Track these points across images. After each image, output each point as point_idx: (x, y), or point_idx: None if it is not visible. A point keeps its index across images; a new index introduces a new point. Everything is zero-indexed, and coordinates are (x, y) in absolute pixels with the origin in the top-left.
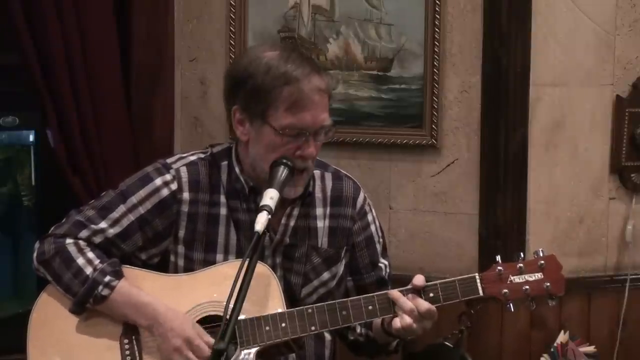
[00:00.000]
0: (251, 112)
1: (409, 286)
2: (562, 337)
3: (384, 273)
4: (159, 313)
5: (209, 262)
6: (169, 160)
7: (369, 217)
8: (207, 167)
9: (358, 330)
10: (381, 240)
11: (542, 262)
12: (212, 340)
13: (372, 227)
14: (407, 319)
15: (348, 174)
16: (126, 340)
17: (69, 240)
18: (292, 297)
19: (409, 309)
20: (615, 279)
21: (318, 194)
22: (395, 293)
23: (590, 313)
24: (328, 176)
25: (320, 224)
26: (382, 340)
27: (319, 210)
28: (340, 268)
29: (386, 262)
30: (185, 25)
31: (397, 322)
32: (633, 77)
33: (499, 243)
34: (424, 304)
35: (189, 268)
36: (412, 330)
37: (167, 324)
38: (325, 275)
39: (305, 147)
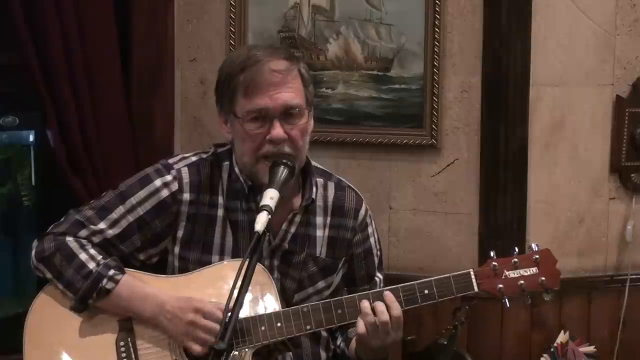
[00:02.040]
0: (225, 109)
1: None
2: (562, 337)
3: (377, 287)
4: (165, 301)
5: (204, 263)
6: (170, 161)
7: (369, 230)
8: (208, 167)
9: (338, 341)
10: (379, 253)
11: (537, 256)
12: (220, 304)
13: (372, 240)
14: (363, 328)
15: (351, 185)
16: (122, 342)
17: (69, 238)
18: (285, 302)
19: (372, 320)
20: (615, 279)
21: (319, 202)
22: (364, 303)
23: (590, 313)
24: (331, 185)
25: (319, 233)
26: None
27: (319, 219)
28: (337, 278)
29: (381, 276)
30: (185, 25)
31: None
32: (633, 77)
33: (499, 243)
34: (385, 316)
35: (184, 268)
36: (379, 338)
37: (175, 306)
38: (321, 284)
39: (270, 130)
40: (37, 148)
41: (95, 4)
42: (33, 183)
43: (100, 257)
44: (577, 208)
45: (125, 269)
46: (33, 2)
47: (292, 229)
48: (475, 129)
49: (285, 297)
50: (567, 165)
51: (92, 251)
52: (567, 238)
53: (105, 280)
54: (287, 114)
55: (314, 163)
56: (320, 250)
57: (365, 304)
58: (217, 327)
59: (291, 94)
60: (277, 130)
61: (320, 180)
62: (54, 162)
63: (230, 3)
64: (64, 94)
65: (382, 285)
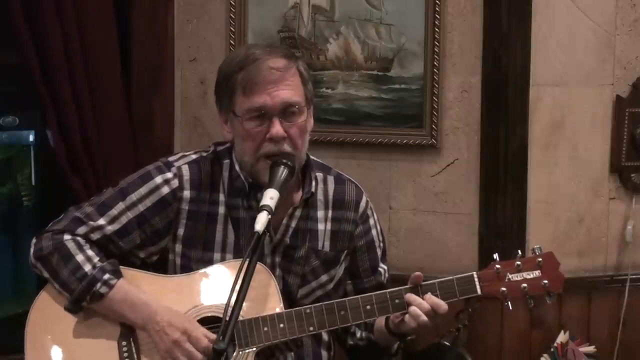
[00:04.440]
0: (224, 108)
1: (409, 284)
2: (562, 337)
3: (382, 278)
4: (157, 311)
5: (206, 261)
6: (171, 159)
7: (371, 222)
8: (209, 165)
9: (358, 334)
10: (382, 244)
11: (540, 259)
12: (209, 333)
13: (374, 232)
14: (424, 318)
15: (350, 178)
16: (124, 342)
17: (67, 237)
18: (289, 298)
19: (426, 310)
20: (615, 279)
21: (320, 196)
22: (410, 296)
23: (590, 313)
24: (330, 179)
25: (321, 226)
26: (384, 343)
27: (320, 213)
28: (340, 271)
29: (385, 267)
30: (185, 25)
31: (411, 322)
32: (633, 77)
33: (499, 243)
34: (442, 304)
35: (186, 266)
36: (427, 327)
37: (165, 319)
38: (324, 277)
39: (270, 128)
40: (37, 148)
41: (95, 4)
42: (33, 183)
43: (97, 259)
44: (577, 208)
45: (126, 269)
46: (33, 2)
47: (293, 224)
48: (475, 129)
49: (289, 293)
50: (567, 165)
51: (90, 252)
52: (567, 238)
53: (99, 284)
54: (286, 111)
55: (312, 157)
56: (323, 243)
57: (420, 301)
58: (199, 355)
59: (290, 91)
60: (277, 128)
61: (319, 175)
62: (54, 162)
63: (230, 3)
64: (64, 94)
65: (387, 275)
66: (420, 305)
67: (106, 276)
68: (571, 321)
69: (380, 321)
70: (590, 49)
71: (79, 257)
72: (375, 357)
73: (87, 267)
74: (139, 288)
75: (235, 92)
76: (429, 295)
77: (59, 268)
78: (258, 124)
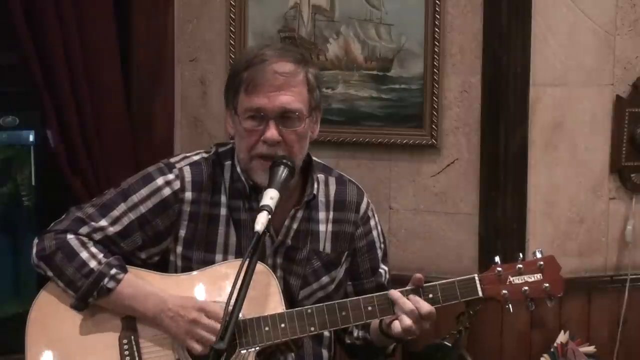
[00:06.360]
0: (229, 104)
1: (409, 286)
2: (562, 337)
3: (383, 279)
4: (167, 300)
5: (208, 262)
6: (172, 160)
7: (372, 223)
8: (210, 166)
9: (355, 333)
10: (382, 246)
11: (541, 263)
12: (221, 305)
13: (375, 233)
14: (407, 321)
15: (351, 179)
16: (125, 340)
17: (70, 236)
18: (290, 299)
19: (409, 310)
20: (615, 279)
21: (321, 197)
22: (395, 293)
23: (590, 313)
24: (332, 180)
25: (322, 228)
26: (379, 343)
27: (321, 215)
28: (340, 273)
29: (386, 268)
30: (185, 25)
31: (396, 325)
32: (633, 77)
33: (499, 243)
34: (425, 306)
35: (187, 268)
36: (412, 332)
37: (177, 304)
38: (325, 279)
39: (265, 131)
40: (37, 148)
41: (95, 4)
42: (33, 183)
43: (102, 255)
44: (577, 208)
45: (128, 266)
46: (33, 2)
47: (295, 225)
48: (475, 129)
49: (290, 295)
50: (567, 165)
51: (94, 249)
52: (567, 238)
53: (106, 279)
54: (284, 117)
55: (314, 159)
56: (324, 245)
57: (404, 300)
58: (219, 327)
59: (291, 97)
60: (271, 132)
61: (321, 177)
62: (54, 162)
63: (230, 3)
64: (64, 94)
65: (387, 276)
66: (403, 305)
67: (113, 271)
68: (571, 321)
69: (375, 322)
70: (590, 49)
71: (84, 254)
72: (372, 356)
73: (93, 264)
74: (145, 281)
75: (239, 90)
76: (412, 296)
77: (63, 266)
78: (255, 125)
